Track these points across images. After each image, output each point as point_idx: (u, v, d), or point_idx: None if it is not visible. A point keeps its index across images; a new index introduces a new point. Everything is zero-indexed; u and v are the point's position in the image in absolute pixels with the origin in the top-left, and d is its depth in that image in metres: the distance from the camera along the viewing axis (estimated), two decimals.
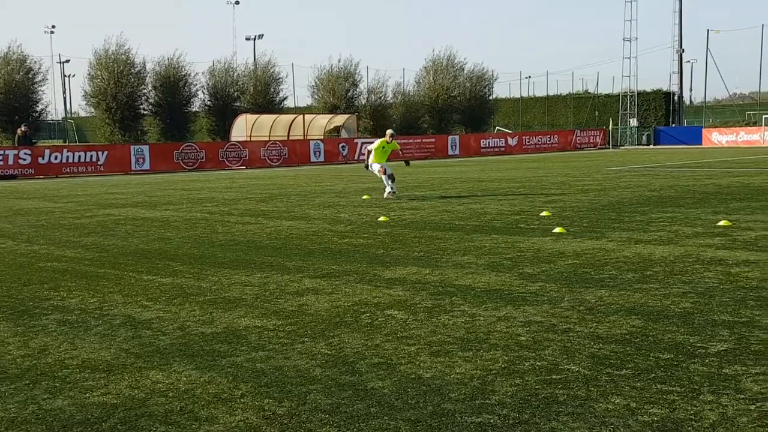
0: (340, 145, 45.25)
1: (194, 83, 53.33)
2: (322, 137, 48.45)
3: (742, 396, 4.70)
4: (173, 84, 51.59)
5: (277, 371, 5.44)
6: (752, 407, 4.52)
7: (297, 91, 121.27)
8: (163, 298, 7.98)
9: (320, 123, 50.74)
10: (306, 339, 6.26)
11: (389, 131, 19.98)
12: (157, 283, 8.85)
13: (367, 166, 19.42)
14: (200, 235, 12.96)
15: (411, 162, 21.13)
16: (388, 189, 18.83)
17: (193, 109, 54.31)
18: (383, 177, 18.94)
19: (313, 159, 43.32)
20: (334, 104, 55.81)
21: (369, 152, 19.31)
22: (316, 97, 58.50)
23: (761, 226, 12.24)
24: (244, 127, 47.58)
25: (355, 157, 44.86)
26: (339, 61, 57.79)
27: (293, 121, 49.41)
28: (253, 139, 46.05)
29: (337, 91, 56.29)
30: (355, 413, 4.60)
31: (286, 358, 5.74)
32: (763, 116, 59.29)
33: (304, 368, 5.49)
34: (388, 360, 5.63)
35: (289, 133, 48.59)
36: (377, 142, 19.59)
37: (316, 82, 57.87)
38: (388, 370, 5.38)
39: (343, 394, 4.94)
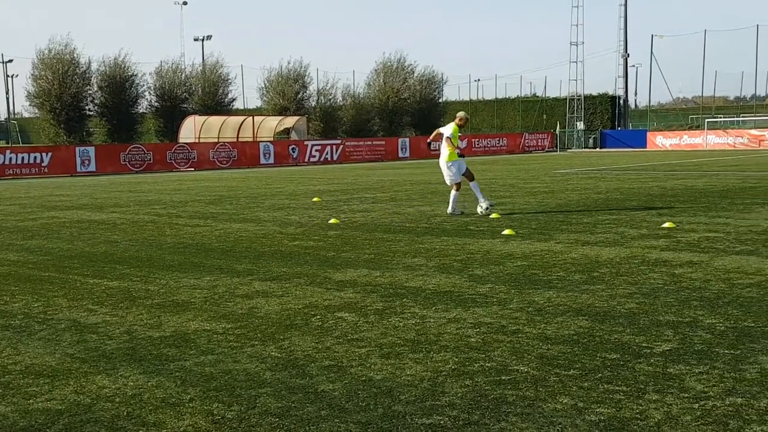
0: (290, 147, 45.09)
1: (141, 84, 52.70)
2: (271, 139, 48.23)
3: (686, 395, 4.79)
4: (119, 84, 50.88)
5: (226, 375, 5.39)
6: (696, 406, 4.61)
7: (246, 92, 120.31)
8: (110, 302, 7.86)
9: (270, 125, 50.50)
10: (256, 342, 6.22)
11: (462, 113, 15.24)
12: (104, 286, 8.71)
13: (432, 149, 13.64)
14: (148, 238, 12.79)
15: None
16: (482, 204, 14.81)
17: (140, 110, 53.62)
18: (454, 192, 15.04)
19: (262, 161, 43.10)
20: (283, 106, 55.63)
21: (448, 138, 14.86)
22: (265, 98, 58.28)
23: (704, 228, 12.50)
24: (192, 129, 47.13)
25: (306, 159, 44.72)
26: (288, 63, 57.79)
27: (243, 122, 49.09)
28: (201, 140, 45.64)
29: (287, 93, 56.12)
30: (305, 416, 4.58)
31: (235, 362, 5.69)
32: (706, 120, 60.73)
33: (253, 372, 5.45)
34: (338, 362, 5.62)
35: (238, 134, 48.26)
36: (451, 127, 15.07)
37: (265, 84, 57.72)
38: (339, 373, 5.37)
39: (294, 397, 4.91)
